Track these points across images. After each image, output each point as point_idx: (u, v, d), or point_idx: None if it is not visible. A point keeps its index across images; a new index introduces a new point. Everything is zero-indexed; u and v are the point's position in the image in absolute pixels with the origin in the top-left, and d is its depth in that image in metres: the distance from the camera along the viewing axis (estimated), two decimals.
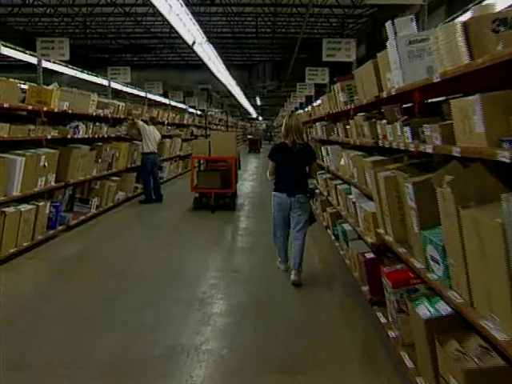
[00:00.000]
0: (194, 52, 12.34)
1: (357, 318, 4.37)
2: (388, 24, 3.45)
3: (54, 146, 7.31)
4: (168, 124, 15.10)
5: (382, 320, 3.89)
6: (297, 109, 22.76)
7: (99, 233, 7.73)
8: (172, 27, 10.44)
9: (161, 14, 8.25)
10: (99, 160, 8.84)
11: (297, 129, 5.22)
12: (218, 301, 4.69)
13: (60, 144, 7.66)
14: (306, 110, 16.65)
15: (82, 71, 12.99)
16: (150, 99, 20.11)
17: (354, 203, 5.04)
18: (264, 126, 64.12)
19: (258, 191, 13.08)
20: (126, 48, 24.63)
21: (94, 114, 8.57)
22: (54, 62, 11.73)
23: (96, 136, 8.77)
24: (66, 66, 12.59)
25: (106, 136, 9.28)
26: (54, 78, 20.13)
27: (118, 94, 23.39)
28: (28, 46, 15.64)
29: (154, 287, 5.04)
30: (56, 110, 7.06)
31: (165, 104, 21.01)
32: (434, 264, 2.73)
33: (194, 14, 9.77)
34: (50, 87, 7.38)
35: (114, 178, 9.82)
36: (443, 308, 2.69)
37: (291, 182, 5.24)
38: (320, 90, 18.14)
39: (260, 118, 63.56)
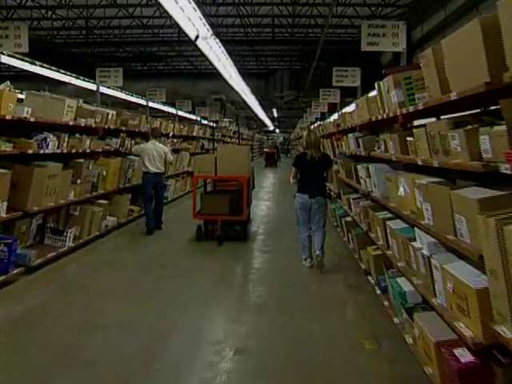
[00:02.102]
0: (207, 58, 10.68)
1: None
2: None
3: (10, 165, 5.65)
4: (174, 136, 13.42)
5: None
6: (317, 119, 20.95)
7: (67, 277, 5.98)
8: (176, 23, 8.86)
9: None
10: (78, 180, 7.14)
11: (315, 143, 6.26)
12: None
13: (23, 161, 6.00)
14: (330, 120, 14.84)
15: (71, 75, 11.34)
16: (157, 110, 18.52)
17: (426, 259, 3.20)
18: (281, 138, 62.46)
19: (274, 214, 11.26)
20: (135, 57, 23.23)
21: (71, 123, 6.88)
22: (42, 66, 10.16)
23: (74, 151, 7.07)
24: (58, 71, 11.02)
25: (88, 151, 7.58)
26: (59, 89, 18.83)
27: (128, 106, 21.97)
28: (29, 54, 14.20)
29: None
30: (9, 118, 5.35)
31: (173, 114, 19.34)
32: None
33: (204, 16, 8.16)
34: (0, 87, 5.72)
35: (101, 201, 8.10)
36: None
37: (311, 186, 6.10)
38: (344, 101, 16.37)
39: (277, 131, 61.93)
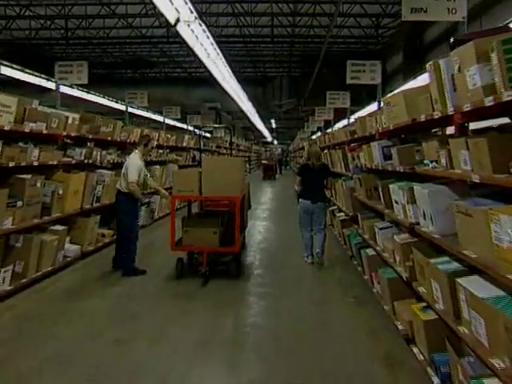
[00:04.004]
0: (194, 53, 9.10)
1: None
2: None
3: None
4: (159, 147, 11.76)
5: None
6: (319, 129, 19.33)
7: None
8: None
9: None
10: (19, 202, 5.45)
11: (316, 154, 7.00)
12: None
13: None
14: (336, 128, 13.19)
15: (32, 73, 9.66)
16: (145, 118, 16.90)
17: None
18: (279, 150, 60.91)
19: (274, 238, 9.54)
20: (124, 62, 21.71)
21: (8, 127, 5.23)
22: (12, 67, 8.52)
23: (12, 164, 5.41)
24: (22, 71, 9.39)
25: (36, 163, 5.91)
26: (45, 97, 17.21)
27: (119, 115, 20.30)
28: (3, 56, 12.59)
29: None
30: None
31: (161, 122, 17.62)
32: None
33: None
34: None
35: (57, 227, 6.43)
36: None
37: (313, 193, 6.82)
38: (345, 109, 14.72)
39: (275, 142, 60.37)
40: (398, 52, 15.85)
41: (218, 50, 8.48)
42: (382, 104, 7.27)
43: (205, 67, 10.87)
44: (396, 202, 4.33)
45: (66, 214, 6.69)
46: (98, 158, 7.86)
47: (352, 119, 11.28)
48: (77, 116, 7.02)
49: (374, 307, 5.02)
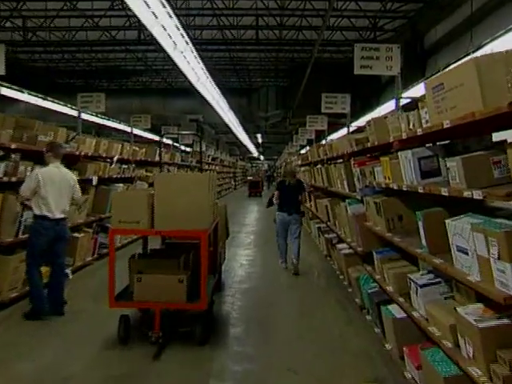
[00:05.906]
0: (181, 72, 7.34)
1: None
2: None
3: None
4: (124, 161, 9.89)
5: None
6: (310, 142, 17.60)
7: None
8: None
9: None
10: None
11: (290, 173, 8.00)
12: None
13: None
14: (329, 139, 11.46)
15: None
16: (121, 130, 15.07)
17: None
18: (266, 166, 59.37)
19: (260, 272, 7.68)
20: (98, 70, 19.96)
21: None
22: None
23: None
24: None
25: None
26: (9, 107, 15.28)
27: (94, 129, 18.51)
28: None
29: None
30: None
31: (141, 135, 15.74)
32: None
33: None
34: None
35: None
36: None
37: (289, 206, 7.50)
38: (342, 118, 13.03)
39: (261, 158, 58.80)
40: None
41: (187, 39, 6.72)
42: (401, 101, 5.57)
43: (181, 72, 9.12)
44: (462, 252, 2.54)
45: None
46: (28, 174, 5.96)
47: (353, 127, 9.56)
48: None
49: None
